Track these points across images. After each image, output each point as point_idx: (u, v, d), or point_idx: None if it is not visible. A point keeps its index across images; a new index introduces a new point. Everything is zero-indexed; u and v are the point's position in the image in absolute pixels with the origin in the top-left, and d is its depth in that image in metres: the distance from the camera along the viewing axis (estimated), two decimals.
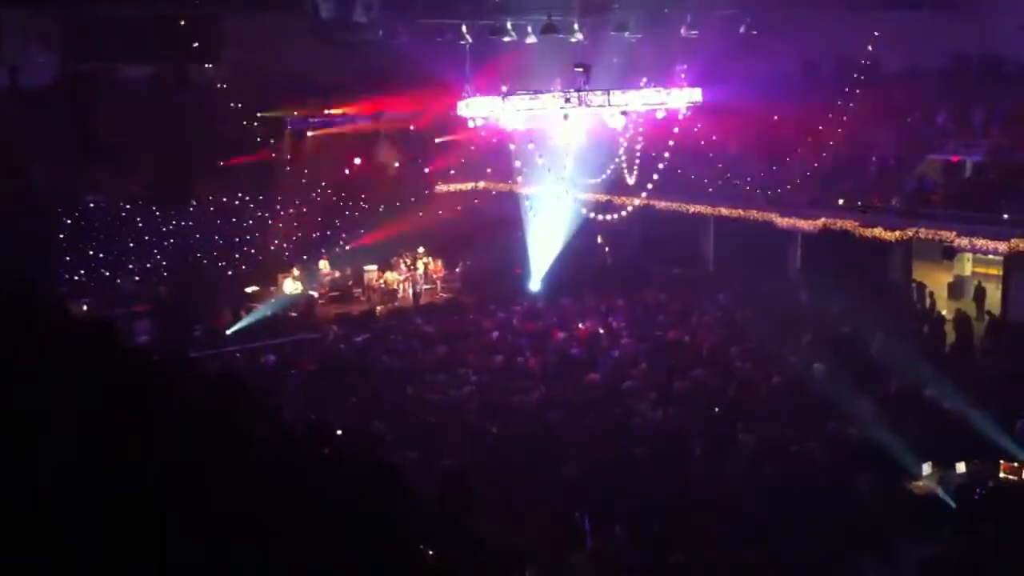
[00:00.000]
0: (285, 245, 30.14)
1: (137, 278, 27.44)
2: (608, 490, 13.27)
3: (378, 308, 28.37)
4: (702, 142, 27.32)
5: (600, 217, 28.04)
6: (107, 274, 26.88)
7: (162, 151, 24.41)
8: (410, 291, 29.64)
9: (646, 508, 12.74)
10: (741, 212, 28.64)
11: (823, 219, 26.75)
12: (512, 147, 26.35)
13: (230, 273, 28.87)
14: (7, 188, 22.84)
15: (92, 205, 26.47)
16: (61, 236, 25.85)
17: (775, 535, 11.75)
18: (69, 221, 26.07)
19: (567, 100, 22.96)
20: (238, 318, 26.25)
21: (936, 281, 26.56)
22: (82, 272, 26.35)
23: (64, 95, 23.25)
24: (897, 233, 25.25)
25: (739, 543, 11.78)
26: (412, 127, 26.05)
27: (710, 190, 29.49)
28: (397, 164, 31.27)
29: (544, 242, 29.81)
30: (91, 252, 26.58)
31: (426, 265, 30.79)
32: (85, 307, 23.28)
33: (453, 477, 12.99)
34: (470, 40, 27.42)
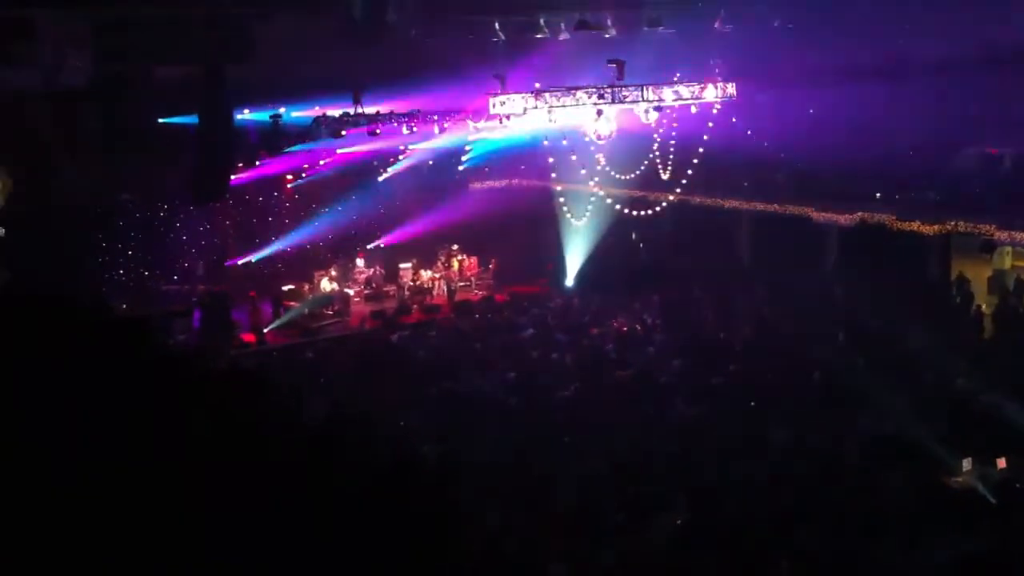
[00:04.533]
0: (321, 242, 30.32)
1: (175, 277, 27.72)
2: (640, 486, 13.26)
3: (413, 305, 28.53)
4: (737, 137, 27.13)
5: (634, 213, 27.97)
6: (145, 273, 27.16)
7: (196, 150, 24.57)
8: (445, 288, 29.73)
9: (678, 504, 12.71)
10: (776, 207, 28.43)
11: (859, 213, 26.51)
12: (545, 143, 26.35)
13: (267, 271, 29.11)
14: (43, 189, 23.11)
15: (128, 205, 26.75)
16: (99, 236, 26.14)
17: (809, 531, 11.68)
18: (105, 221, 26.34)
19: (600, 96, 22.93)
20: (276, 316, 26.49)
21: (975, 275, 26.23)
22: (120, 272, 26.63)
23: (98, 96, 23.43)
24: (935, 227, 24.97)
25: (772, 539, 11.71)
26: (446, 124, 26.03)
27: (745, 185, 29.30)
28: (431, 162, 31.35)
29: (578, 239, 29.80)
30: (128, 252, 26.86)
31: (460, 262, 30.84)
32: (124, 306, 23.54)
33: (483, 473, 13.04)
34: (503, 37, 27.40)
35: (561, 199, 28.98)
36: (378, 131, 24.88)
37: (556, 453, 14.88)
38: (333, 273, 28.92)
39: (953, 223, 24.69)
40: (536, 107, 22.82)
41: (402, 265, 30.24)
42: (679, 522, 12.24)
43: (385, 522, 4.65)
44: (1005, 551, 11.90)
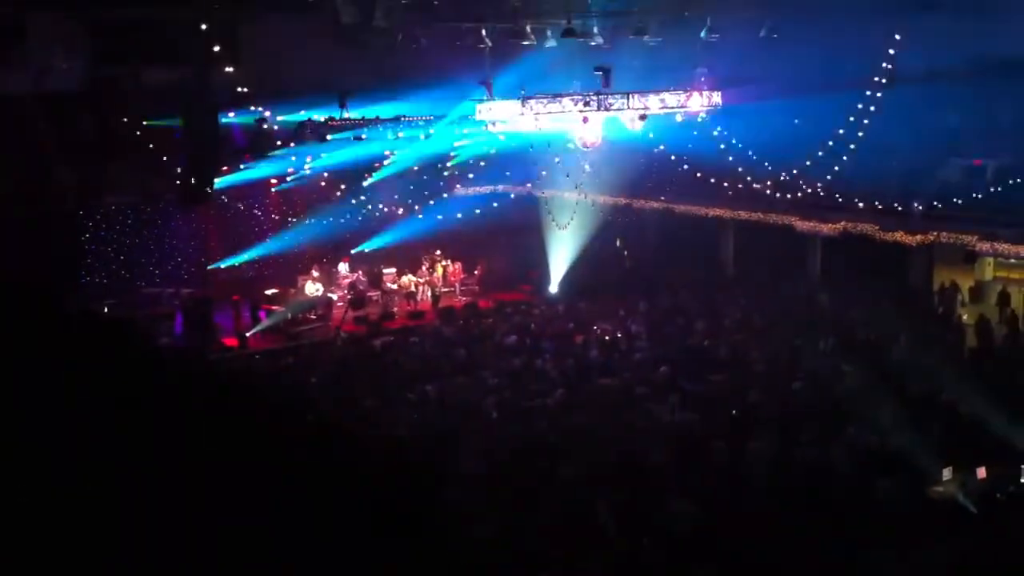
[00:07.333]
0: (305, 247, 30.26)
1: (158, 279, 27.61)
2: (627, 494, 13.24)
3: (396, 311, 28.48)
4: (722, 145, 27.24)
5: (619, 220, 28.02)
6: (127, 275, 27.04)
7: (183, 153, 24.52)
8: (428, 294, 29.70)
9: (663, 512, 12.71)
10: (761, 215, 28.53)
11: (843, 222, 26.63)
12: (531, 149, 26.38)
13: (251, 275, 29.03)
14: (31, 191, 23.02)
15: (113, 207, 26.66)
16: (83, 238, 26.03)
17: (794, 540, 11.70)
18: (91, 223, 26.24)
19: (587, 103, 23.00)
20: (259, 320, 26.40)
21: (958, 286, 26.39)
22: (103, 274, 26.52)
23: (88, 98, 23.38)
24: (918, 237, 25.11)
25: (758, 548, 11.72)
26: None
27: (729, 193, 29.41)
28: (416, 168, 31.33)
29: (562, 245, 29.82)
30: (112, 254, 26.74)
31: (445, 268, 30.84)
32: (107, 309, 23.43)
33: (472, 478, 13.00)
34: (490, 43, 27.40)
35: (546, 205, 29.00)
36: (364, 136, 24.89)
37: (541, 461, 14.84)
38: (316, 276, 28.88)
39: (936, 234, 24.82)
40: (522, 114, 22.87)
41: (386, 270, 30.22)
42: (668, 531, 12.24)
43: (370, 531, 4.63)
44: (986, 560, 11.95)
